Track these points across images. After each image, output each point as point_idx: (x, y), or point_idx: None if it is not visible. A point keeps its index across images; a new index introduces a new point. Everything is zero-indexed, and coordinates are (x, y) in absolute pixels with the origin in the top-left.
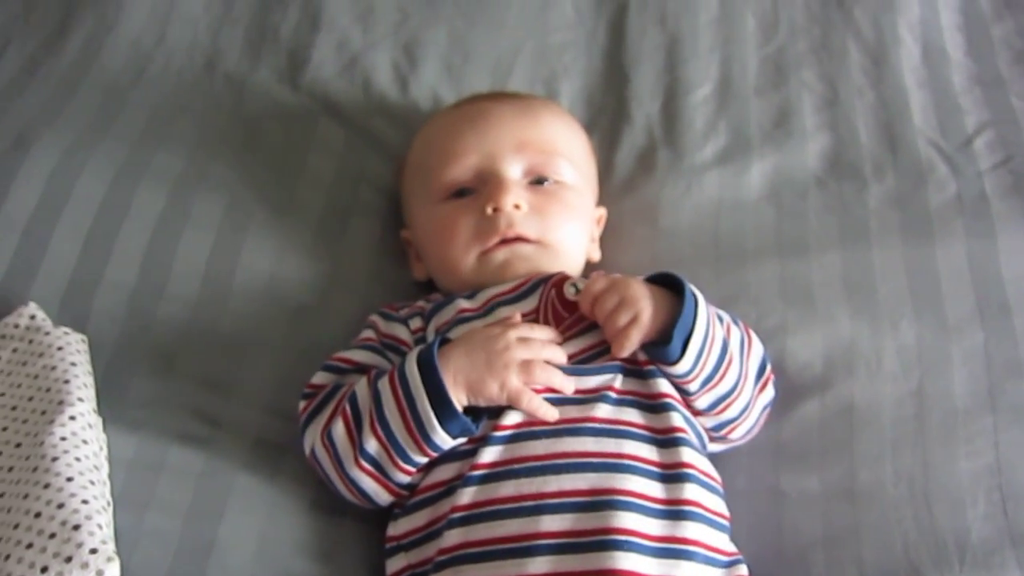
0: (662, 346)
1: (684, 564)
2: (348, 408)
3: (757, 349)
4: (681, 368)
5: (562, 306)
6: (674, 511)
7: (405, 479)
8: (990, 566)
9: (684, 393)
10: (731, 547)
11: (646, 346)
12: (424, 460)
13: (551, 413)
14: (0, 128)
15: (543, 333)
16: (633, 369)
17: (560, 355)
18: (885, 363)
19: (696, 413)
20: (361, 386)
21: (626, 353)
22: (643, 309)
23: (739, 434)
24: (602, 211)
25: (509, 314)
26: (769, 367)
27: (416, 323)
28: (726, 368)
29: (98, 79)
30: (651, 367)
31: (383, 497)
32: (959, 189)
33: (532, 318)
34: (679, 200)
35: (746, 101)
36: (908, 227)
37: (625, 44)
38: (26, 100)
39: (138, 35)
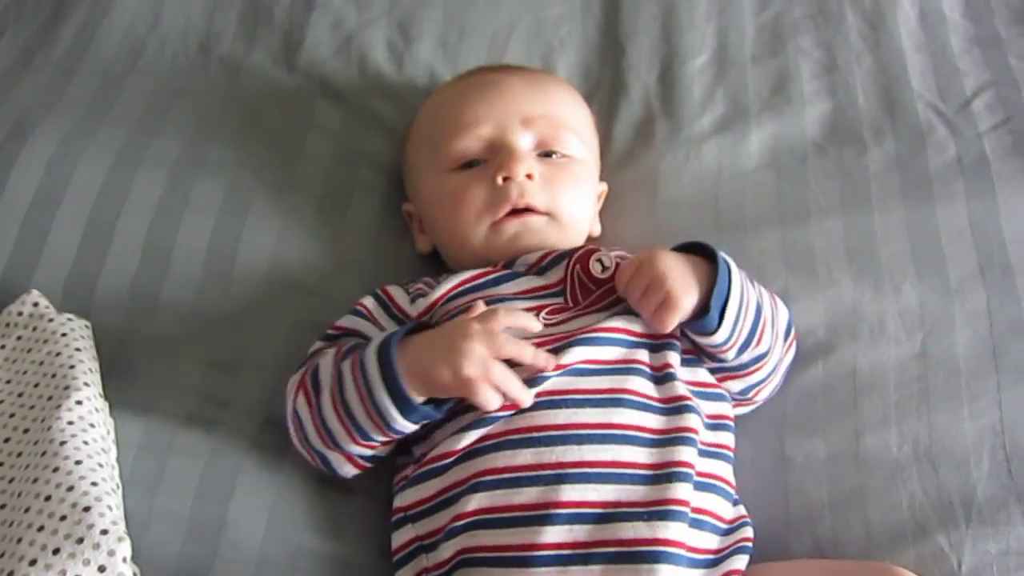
0: (700, 318)
1: (672, 525)
2: (310, 384)
3: (783, 311)
4: (719, 337)
5: (589, 281)
6: (664, 474)
7: (367, 452)
8: (996, 523)
9: (720, 360)
10: (731, 513)
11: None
12: (385, 439)
13: (494, 404)
14: None
15: (509, 318)
16: (645, 342)
17: (523, 349)
18: (888, 326)
19: (724, 379)
20: (325, 363)
21: (667, 329)
22: (672, 288)
23: (764, 396)
24: (603, 187)
25: (481, 304)
26: (793, 329)
27: (422, 305)
28: (761, 331)
29: (93, 66)
30: (664, 340)
31: (347, 469)
32: (959, 151)
33: (559, 288)
34: (678, 170)
35: (743, 69)
36: (909, 190)
37: (620, 16)
38: (22, 89)
39: (132, 21)
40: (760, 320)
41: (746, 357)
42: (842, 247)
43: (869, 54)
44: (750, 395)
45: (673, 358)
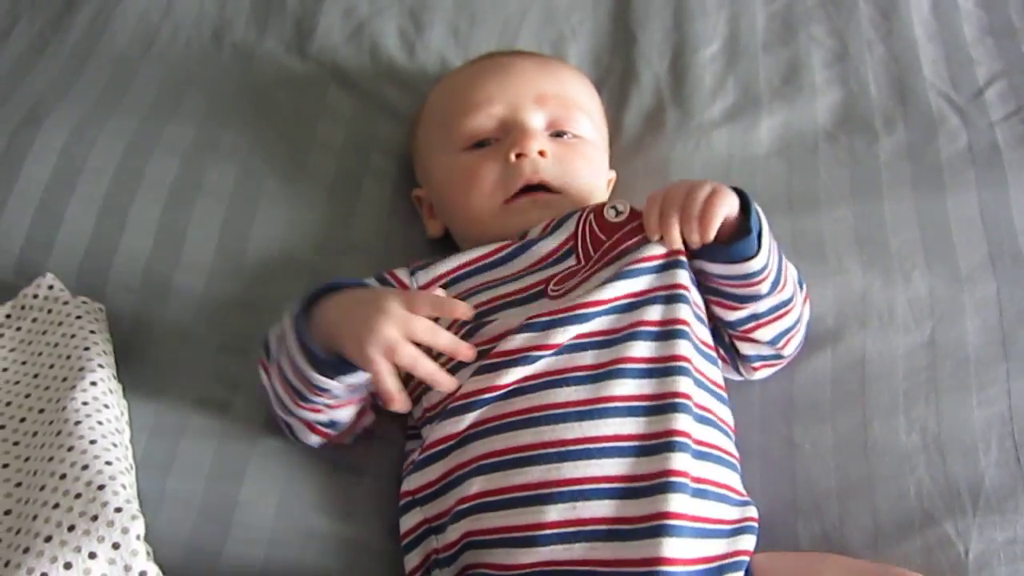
0: (741, 240)
1: (672, 497)
2: (264, 355)
3: (792, 267)
4: (758, 262)
5: (600, 230)
6: (659, 444)
7: (320, 417)
8: (1004, 511)
9: (753, 299)
10: (740, 487)
11: (722, 247)
12: (325, 401)
13: (399, 402)
14: (12, 104)
15: (439, 306)
16: (656, 296)
17: (439, 336)
18: (897, 314)
19: (753, 328)
20: (272, 331)
21: (714, 231)
22: (717, 185)
23: (793, 347)
24: (612, 174)
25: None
26: (804, 284)
27: (422, 278)
28: (786, 269)
29: (107, 53)
30: (675, 290)
31: (312, 438)
32: (970, 140)
33: (570, 246)
34: (689, 158)
35: (754, 58)
36: (919, 179)
37: (632, 4)
38: (36, 76)
39: (145, 7)
40: (782, 258)
41: (776, 299)
42: (852, 235)
43: (881, 43)
44: (780, 344)
45: (685, 311)
